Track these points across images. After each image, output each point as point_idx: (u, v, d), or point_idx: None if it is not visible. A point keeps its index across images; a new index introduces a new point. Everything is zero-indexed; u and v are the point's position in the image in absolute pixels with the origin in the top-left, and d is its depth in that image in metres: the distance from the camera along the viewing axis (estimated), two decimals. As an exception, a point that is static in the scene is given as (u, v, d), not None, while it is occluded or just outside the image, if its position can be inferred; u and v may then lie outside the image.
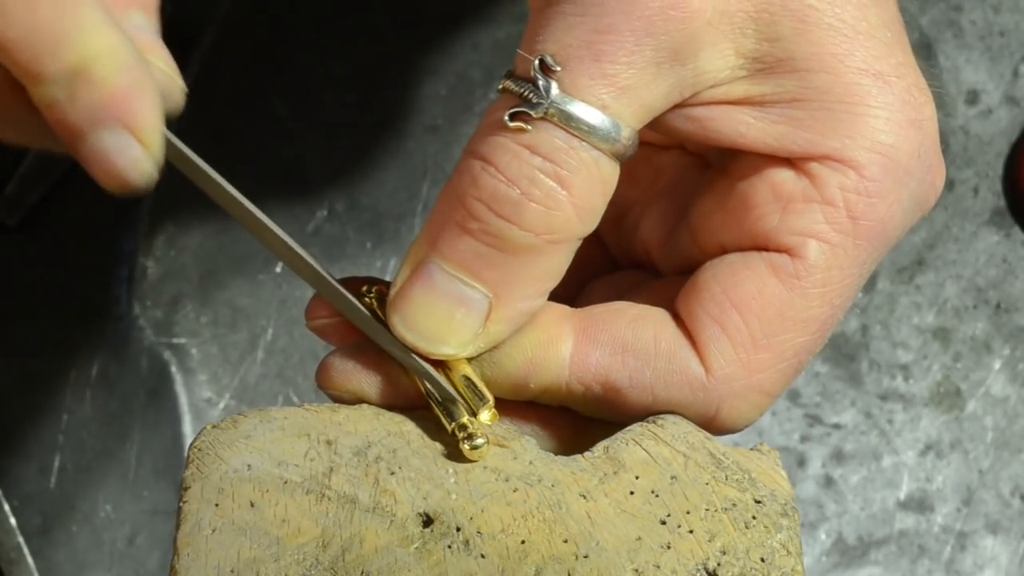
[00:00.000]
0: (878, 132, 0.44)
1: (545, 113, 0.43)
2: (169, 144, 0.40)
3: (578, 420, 0.47)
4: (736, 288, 0.45)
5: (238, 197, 0.43)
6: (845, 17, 0.44)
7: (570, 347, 0.45)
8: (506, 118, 0.43)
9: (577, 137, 0.43)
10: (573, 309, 0.46)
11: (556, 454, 0.45)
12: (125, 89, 0.38)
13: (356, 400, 0.46)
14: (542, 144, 0.43)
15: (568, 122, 0.43)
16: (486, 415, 0.45)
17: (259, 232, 0.44)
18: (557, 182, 0.43)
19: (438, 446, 0.45)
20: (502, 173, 0.43)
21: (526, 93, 0.43)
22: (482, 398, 0.45)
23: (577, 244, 0.45)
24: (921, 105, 0.45)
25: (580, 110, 0.43)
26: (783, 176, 0.45)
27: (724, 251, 0.46)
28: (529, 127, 0.43)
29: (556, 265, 0.44)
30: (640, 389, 0.45)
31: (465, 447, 0.44)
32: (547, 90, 0.43)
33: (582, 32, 0.43)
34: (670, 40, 0.43)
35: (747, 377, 0.45)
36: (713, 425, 0.46)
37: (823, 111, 0.44)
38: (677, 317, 0.46)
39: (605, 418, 0.46)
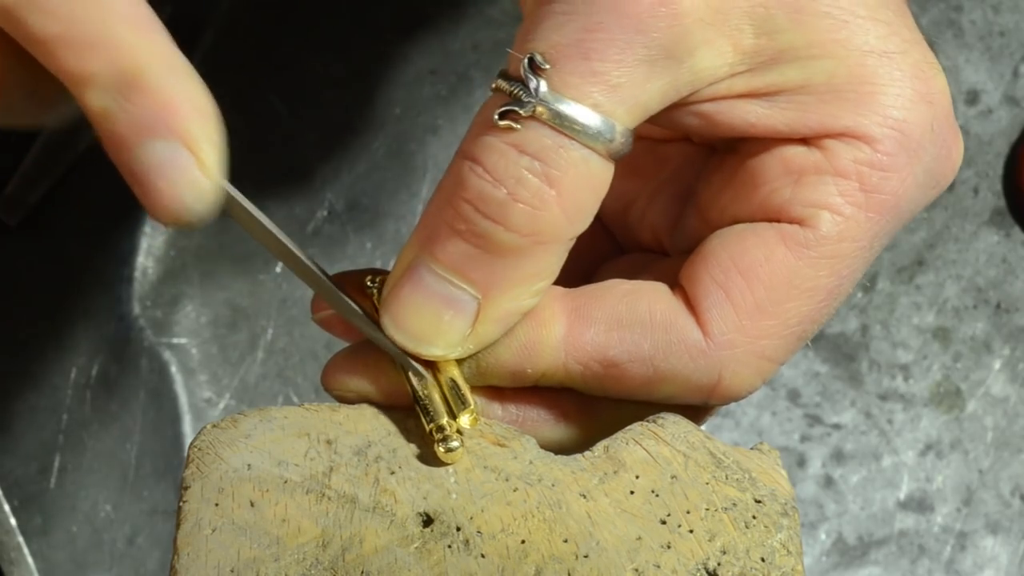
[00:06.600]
0: (889, 108, 0.44)
1: (534, 112, 0.42)
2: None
3: (583, 400, 0.46)
4: (743, 255, 0.44)
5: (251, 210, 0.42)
6: (841, 3, 0.44)
7: (563, 328, 0.45)
8: (495, 117, 0.42)
9: (566, 136, 0.42)
10: (565, 289, 0.46)
11: (563, 436, 0.45)
12: (179, 98, 0.36)
13: (359, 400, 0.46)
14: (530, 143, 0.42)
15: (557, 121, 0.42)
16: (466, 419, 0.44)
17: (255, 231, 0.43)
18: (545, 181, 0.42)
19: (438, 446, 0.45)
20: (489, 173, 0.43)
21: (516, 92, 0.42)
22: (464, 403, 0.44)
23: (569, 244, 0.44)
24: (930, 79, 0.45)
25: (570, 109, 0.42)
26: (795, 151, 0.45)
27: (734, 224, 0.46)
28: (518, 126, 0.42)
29: (545, 266, 0.44)
30: (639, 362, 0.45)
31: (440, 449, 0.44)
32: (536, 89, 0.42)
33: (571, 30, 0.42)
34: (661, 38, 0.42)
35: (749, 343, 0.44)
36: (717, 393, 0.45)
37: (831, 94, 0.44)
38: (679, 287, 0.46)
39: (609, 395, 0.46)
